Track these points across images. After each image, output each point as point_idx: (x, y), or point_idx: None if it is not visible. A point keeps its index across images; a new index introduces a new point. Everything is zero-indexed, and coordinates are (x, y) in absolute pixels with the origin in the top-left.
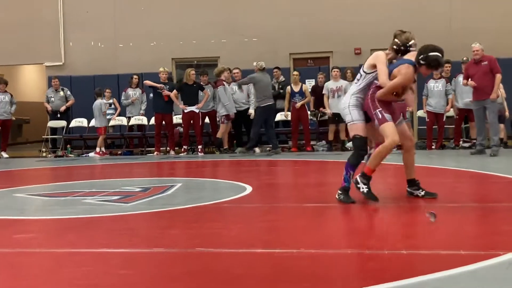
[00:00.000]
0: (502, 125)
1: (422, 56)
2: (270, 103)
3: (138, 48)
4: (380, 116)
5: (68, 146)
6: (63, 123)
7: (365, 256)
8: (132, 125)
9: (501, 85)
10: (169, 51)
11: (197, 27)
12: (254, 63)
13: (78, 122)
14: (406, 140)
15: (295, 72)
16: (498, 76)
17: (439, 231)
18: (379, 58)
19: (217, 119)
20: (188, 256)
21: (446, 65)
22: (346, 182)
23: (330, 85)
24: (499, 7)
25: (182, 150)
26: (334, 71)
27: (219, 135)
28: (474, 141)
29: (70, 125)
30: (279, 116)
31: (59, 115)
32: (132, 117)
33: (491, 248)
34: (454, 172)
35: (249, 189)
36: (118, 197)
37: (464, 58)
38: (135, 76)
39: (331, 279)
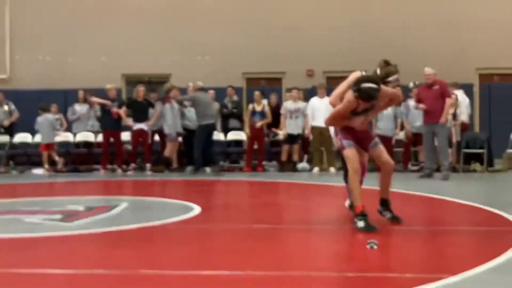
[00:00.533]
0: (450, 150)
1: (355, 87)
2: (211, 122)
3: (87, 63)
4: (340, 143)
5: (11, 162)
6: (6, 138)
7: (312, 278)
8: (78, 142)
9: (451, 110)
10: (119, 66)
11: (149, 43)
12: (190, 83)
13: (22, 137)
14: (383, 164)
15: (257, 92)
16: (448, 100)
17: (385, 254)
18: (350, 76)
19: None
20: (131, 278)
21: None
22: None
23: (289, 105)
24: (452, 32)
25: (130, 168)
26: (293, 92)
27: (166, 153)
28: (422, 164)
29: (14, 140)
30: (232, 135)
31: (2, 130)
32: (78, 133)
33: (436, 271)
34: (402, 195)
35: (197, 209)
36: (61, 216)
37: (411, 84)
38: (81, 92)
39: None
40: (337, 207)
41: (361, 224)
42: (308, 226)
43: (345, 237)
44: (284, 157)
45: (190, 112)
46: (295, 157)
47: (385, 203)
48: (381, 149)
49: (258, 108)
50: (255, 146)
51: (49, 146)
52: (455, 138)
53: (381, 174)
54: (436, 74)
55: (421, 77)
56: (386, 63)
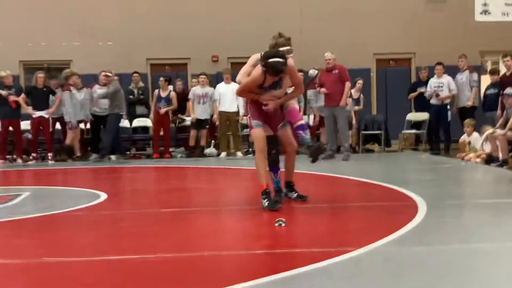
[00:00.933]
0: (350, 132)
1: (262, 62)
2: (123, 111)
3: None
4: (249, 122)
5: None
6: None
7: (222, 258)
8: None
9: (351, 93)
10: (17, 53)
11: (48, 28)
12: (108, 72)
13: None
14: (288, 146)
15: (162, 78)
16: (347, 84)
17: (292, 231)
18: (250, 59)
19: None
20: (33, 266)
21: (299, 73)
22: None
23: (197, 91)
24: (349, 20)
25: (31, 157)
26: (202, 78)
27: (67, 141)
28: (324, 146)
29: None
30: (138, 122)
31: None
32: None
33: (340, 245)
34: (306, 175)
35: (103, 196)
36: None
37: (311, 72)
38: None
39: (188, 281)
40: (244, 189)
41: (265, 203)
42: (217, 208)
43: (253, 217)
44: (192, 143)
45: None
46: (202, 142)
47: (289, 185)
48: (288, 131)
49: (163, 94)
50: (161, 133)
51: None
52: (355, 121)
53: (285, 156)
54: (336, 59)
55: (322, 63)
56: (279, 35)
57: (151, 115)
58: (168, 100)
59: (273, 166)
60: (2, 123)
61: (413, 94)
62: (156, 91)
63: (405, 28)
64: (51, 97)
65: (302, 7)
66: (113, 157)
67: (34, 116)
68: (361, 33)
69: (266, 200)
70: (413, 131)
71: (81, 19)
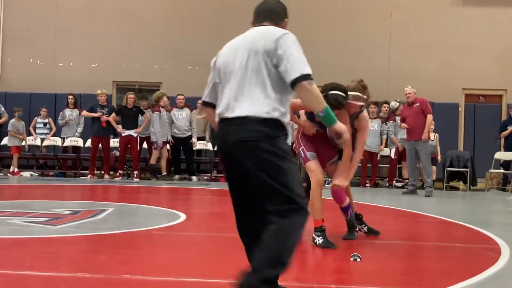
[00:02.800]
0: (434, 167)
1: (323, 94)
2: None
3: (78, 68)
4: (303, 154)
5: None
6: None
7: None
8: (66, 147)
9: (432, 127)
10: (111, 73)
11: (141, 51)
12: (180, 96)
13: (8, 140)
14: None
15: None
16: (429, 117)
17: (367, 267)
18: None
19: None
20: (113, 282)
21: (384, 105)
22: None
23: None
24: (439, 53)
25: (117, 174)
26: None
27: (152, 161)
28: (406, 180)
29: (2, 143)
30: None
31: None
32: (67, 138)
33: (416, 285)
34: (385, 210)
35: (183, 217)
36: (46, 219)
37: (392, 104)
38: (70, 96)
39: None
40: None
41: (319, 240)
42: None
43: (329, 249)
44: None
45: (179, 121)
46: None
47: (357, 217)
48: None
49: None
50: None
51: (18, 148)
52: (440, 156)
53: None
54: (416, 92)
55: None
56: (362, 85)
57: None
58: None
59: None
60: (93, 140)
61: (505, 133)
62: None
63: (496, 64)
64: (140, 117)
65: (392, 38)
66: (194, 178)
67: (123, 134)
68: (450, 67)
69: (320, 237)
70: (501, 170)
71: (174, 43)
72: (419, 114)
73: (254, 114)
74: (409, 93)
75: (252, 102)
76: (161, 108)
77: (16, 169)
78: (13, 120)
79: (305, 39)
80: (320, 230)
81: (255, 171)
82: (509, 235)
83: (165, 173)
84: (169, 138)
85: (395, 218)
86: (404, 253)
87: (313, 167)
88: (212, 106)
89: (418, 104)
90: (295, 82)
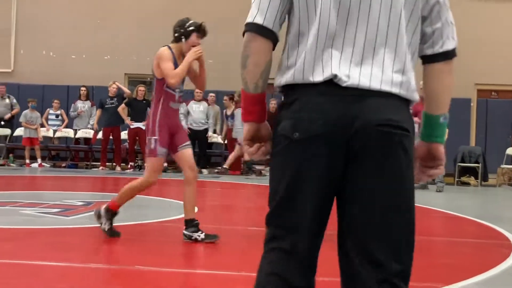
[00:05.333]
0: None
1: (186, 25)
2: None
3: (91, 60)
4: (153, 145)
5: (11, 155)
6: (7, 131)
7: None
8: (79, 138)
9: None
10: (123, 66)
11: (153, 44)
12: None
13: (21, 131)
14: (188, 170)
15: (225, 97)
16: None
17: None
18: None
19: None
20: (126, 273)
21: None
22: None
23: None
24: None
25: (129, 166)
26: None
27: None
28: None
29: (14, 134)
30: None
31: (2, 123)
32: (79, 130)
33: (428, 280)
34: None
35: (194, 209)
36: (58, 210)
37: None
38: (82, 88)
39: None
40: None
41: (107, 225)
42: None
43: None
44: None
45: (195, 113)
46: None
47: (191, 223)
48: (190, 152)
49: (229, 112)
50: None
51: (33, 141)
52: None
53: (184, 187)
54: None
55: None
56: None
57: (224, 131)
58: (233, 117)
59: None
60: (104, 131)
61: None
62: (224, 110)
63: (509, 59)
64: (149, 109)
65: None
66: (204, 171)
67: (131, 126)
68: (462, 62)
69: (109, 223)
70: None
71: None
72: None
73: (400, 92)
74: (421, 88)
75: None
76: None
77: (39, 160)
78: (26, 111)
79: None
80: (113, 214)
81: (389, 183)
82: None
83: (176, 166)
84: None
85: None
86: (415, 248)
87: (157, 166)
88: (273, 37)
89: None
90: (444, 57)
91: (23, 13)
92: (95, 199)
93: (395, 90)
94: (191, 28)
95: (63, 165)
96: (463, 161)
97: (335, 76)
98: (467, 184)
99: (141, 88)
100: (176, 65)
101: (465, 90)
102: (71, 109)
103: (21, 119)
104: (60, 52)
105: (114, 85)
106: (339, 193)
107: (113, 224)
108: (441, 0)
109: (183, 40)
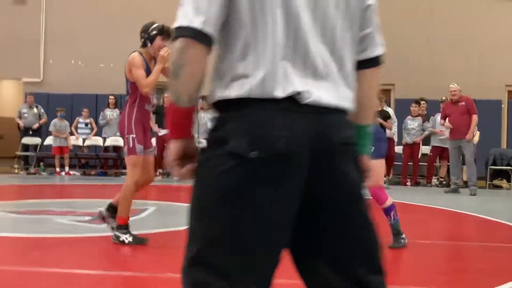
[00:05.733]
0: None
1: (150, 30)
2: None
3: (119, 69)
4: (131, 144)
5: (41, 163)
6: (37, 140)
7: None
8: (108, 146)
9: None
10: None
11: None
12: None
13: (51, 139)
14: (147, 175)
15: None
16: (475, 117)
17: (409, 267)
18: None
19: None
20: (158, 280)
21: (422, 102)
22: None
23: None
24: (479, 49)
25: (157, 173)
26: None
27: None
28: (441, 179)
29: (44, 143)
30: None
31: (31, 132)
32: (108, 137)
33: (460, 285)
34: (428, 209)
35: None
36: (90, 218)
37: (443, 98)
38: (111, 97)
39: None
40: None
41: (129, 238)
42: None
43: None
44: None
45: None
46: None
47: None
48: (152, 159)
49: None
50: None
51: (63, 149)
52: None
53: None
54: (462, 90)
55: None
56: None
57: None
58: None
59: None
60: None
61: None
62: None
63: None
64: None
65: (429, 35)
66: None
67: (159, 134)
68: (491, 63)
69: (128, 235)
70: None
71: None
72: (464, 114)
73: (351, 107)
74: (454, 91)
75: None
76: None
77: (67, 168)
78: (55, 120)
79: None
80: (125, 227)
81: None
82: None
83: None
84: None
85: (439, 217)
86: (447, 253)
87: (137, 163)
88: (211, 43)
89: (463, 103)
90: (375, 62)
91: (51, 23)
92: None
93: (348, 105)
94: (154, 32)
95: (93, 173)
96: (494, 164)
97: (298, 93)
98: (500, 187)
99: (167, 95)
100: (148, 69)
101: (496, 91)
102: (100, 117)
103: (51, 128)
104: (88, 61)
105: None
106: (300, 212)
107: (139, 232)
108: (373, 4)
109: (149, 44)
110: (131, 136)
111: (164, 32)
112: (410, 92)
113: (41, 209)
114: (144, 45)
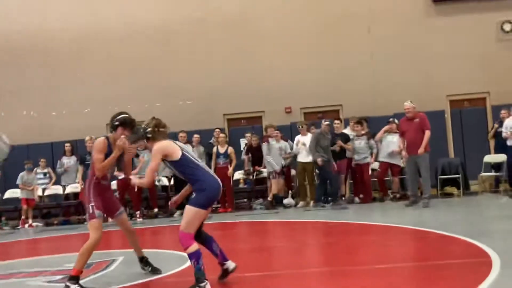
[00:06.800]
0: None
1: (115, 119)
2: None
3: (72, 115)
4: (91, 210)
5: (3, 218)
6: None
7: None
8: (68, 194)
9: None
10: (104, 117)
11: (131, 92)
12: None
13: (13, 193)
14: (128, 231)
15: (222, 134)
16: (427, 133)
17: None
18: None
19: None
20: None
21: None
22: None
23: (274, 144)
24: (419, 64)
25: (137, 216)
26: (274, 131)
27: (274, 191)
28: (394, 193)
29: (4, 196)
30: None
31: None
32: (67, 185)
33: None
34: (384, 229)
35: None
36: (62, 276)
37: (391, 119)
38: (67, 144)
39: None
40: (325, 246)
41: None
42: (302, 270)
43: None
44: (273, 191)
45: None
46: (275, 192)
47: (142, 260)
48: (125, 216)
49: (222, 150)
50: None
51: (29, 201)
52: None
53: (128, 237)
54: (415, 107)
55: (396, 107)
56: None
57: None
58: (226, 155)
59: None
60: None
61: (490, 134)
62: (214, 148)
63: (477, 68)
64: (135, 159)
65: (373, 52)
66: (177, 212)
67: (119, 177)
68: (433, 75)
69: (77, 285)
70: (492, 173)
71: (162, 80)
72: (419, 130)
73: None
74: (408, 108)
75: None
76: (269, 138)
77: (30, 221)
78: (22, 173)
79: (293, 65)
80: (76, 278)
81: None
82: (501, 244)
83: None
84: (283, 164)
85: (395, 237)
86: (404, 276)
87: (98, 225)
88: None
89: (418, 119)
90: None
91: (1, 75)
92: (94, 260)
93: None
94: (116, 123)
95: (56, 222)
96: (443, 173)
97: None
98: (451, 194)
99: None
100: (110, 153)
101: (438, 102)
102: (58, 166)
103: (18, 181)
104: (40, 110)
105: (90, 141)
106: None
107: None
108: None
109: (113, 132)
110: (90, 205)
111: (126, 124)
112: (356, 111)
113: (11, 271)
114: (111, 130)
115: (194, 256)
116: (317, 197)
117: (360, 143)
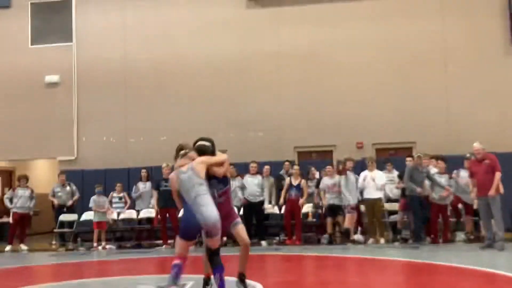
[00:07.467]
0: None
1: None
2: None
3: (148, 142)
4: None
5: (78, 239)
6: (73, 216)
7: None
8: (141, 218)
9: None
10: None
11: (205, 121)
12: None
13: (89, 215)
14: (241, 242)
15: (296, 167)
16: (497, 174)
17: None
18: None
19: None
20: None
21: (440, 161)
22: None
23: (326, 181)
24: (495, 103)
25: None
26: (330, 168)
27: (347, 224)
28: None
29: (81, 219)
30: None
31: (65, 209)
32: (141, 210)
33: None
34: (459, 270)
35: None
36: None
37: (468, 155)
38: (143, 170)
39: None
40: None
41: None
42: None
43: None
44: (329, 229)
45: (251, 187)
46: (348, 226)
47: (241, 277)
48: (240, 227)
49: (295, 182)
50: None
51: (100, 224)
52: None
53: (240, 250)
54: (484, 148)
55: (470, 147)
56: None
57: (281, 201)
58: (299, 188)
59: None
60: (161, 211)
61: None
62: (288, 179)
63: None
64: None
65: (448, 89)
66: (264, 243)
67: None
68: (508, 114)
69: None
70: None
71: (235, 112)
72: (489, 172)
73: None
74: (477, 149)
75: None
76: (347, 171)
77: (103, 243)
78: (94, 196)
79: (366, 99)
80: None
81: None
82: None
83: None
84: (359, 198)
85: (468, 278)
86: None
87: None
88: None
89: (487, 161)
90: None
91: (82, 102)
92: (166, 282)
93: None
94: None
95: (128, 245)
96: None
97: None
98: None
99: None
100: None
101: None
102: (133, 191)
103: (91, 204)
104: (119, 136)
105: (167, 168)
106: None
107: None
108: None
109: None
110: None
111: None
112: (430, 149)
113: None
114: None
115: (174, 268)
116: (416, 232)
117: (441, 181)
